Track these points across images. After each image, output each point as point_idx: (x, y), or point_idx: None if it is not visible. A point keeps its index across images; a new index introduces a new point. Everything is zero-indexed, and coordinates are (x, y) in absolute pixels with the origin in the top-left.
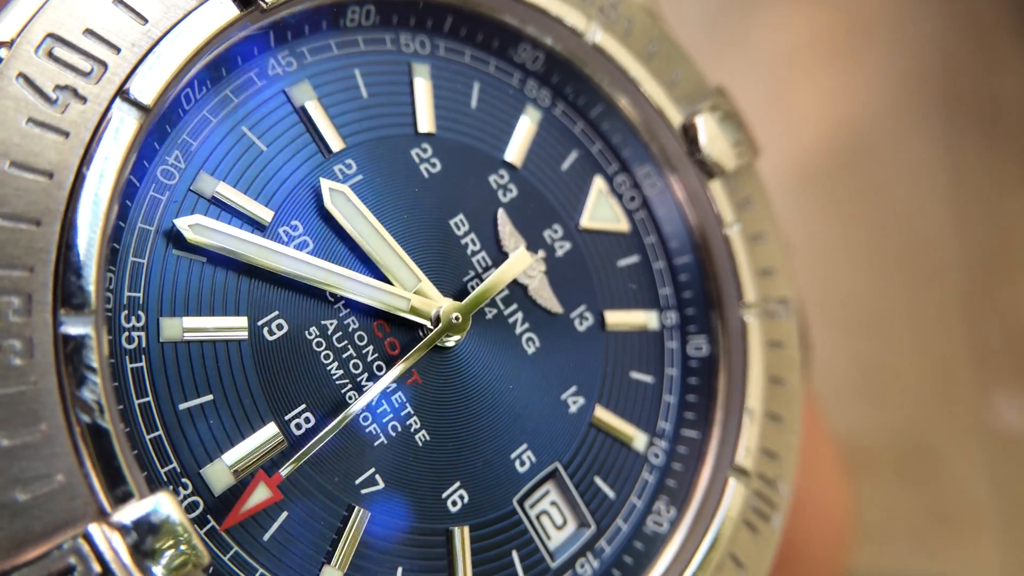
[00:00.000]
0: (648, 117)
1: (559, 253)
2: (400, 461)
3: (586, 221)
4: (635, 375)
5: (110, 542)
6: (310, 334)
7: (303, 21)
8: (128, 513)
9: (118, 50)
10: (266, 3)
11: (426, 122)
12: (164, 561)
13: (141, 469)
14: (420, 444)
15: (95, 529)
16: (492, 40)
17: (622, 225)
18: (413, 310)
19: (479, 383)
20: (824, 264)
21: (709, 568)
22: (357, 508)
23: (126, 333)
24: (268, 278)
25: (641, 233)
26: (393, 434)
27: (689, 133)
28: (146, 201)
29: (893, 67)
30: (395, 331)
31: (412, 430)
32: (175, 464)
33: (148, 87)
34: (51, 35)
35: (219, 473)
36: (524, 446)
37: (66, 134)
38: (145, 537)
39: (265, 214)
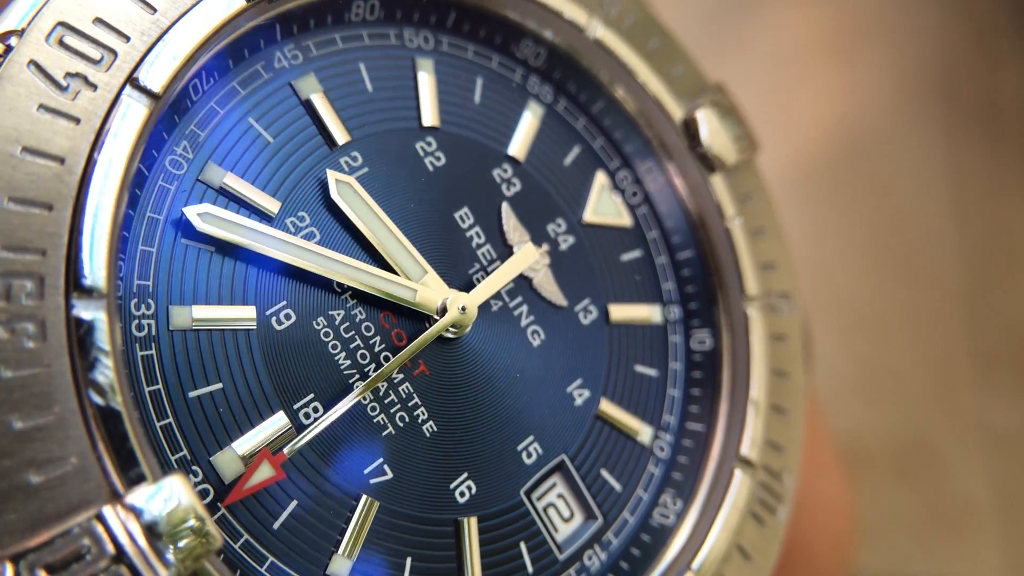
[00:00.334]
0: (649, 112)
1: (563, 247)
2: (408, 451)
3: (589, 216)
4: (639, 369)
5: (124, 524)
6: (318, 324)
7: (308, 14)
8: (141, 495)
9: (128, 38)
10: None
11: (430, 116)
12: (179, 543)
13: (153, 455)
14: (428, 435)
15: (109, 511)
16: (495, 36)
17: (624, 220)
18: (419, 300)
19: (486, 374)
20: (823, 264)
21: (716, 559)
22: (366, 498)
23: (136, 321)
24: (276, 268)
25: (643, 228)
26: (401, 424)
27: (690, 127)
28: (155, 190)
29: (892, 67)
30: (402, 322)
31: (420, 421)
32: (185, 451)
33: (158, 74)
34: (61, 23)
35: (229, 461)
36: (531, 438)
37: (77, 120)
38: (159, 519)
39: (272, 205)
